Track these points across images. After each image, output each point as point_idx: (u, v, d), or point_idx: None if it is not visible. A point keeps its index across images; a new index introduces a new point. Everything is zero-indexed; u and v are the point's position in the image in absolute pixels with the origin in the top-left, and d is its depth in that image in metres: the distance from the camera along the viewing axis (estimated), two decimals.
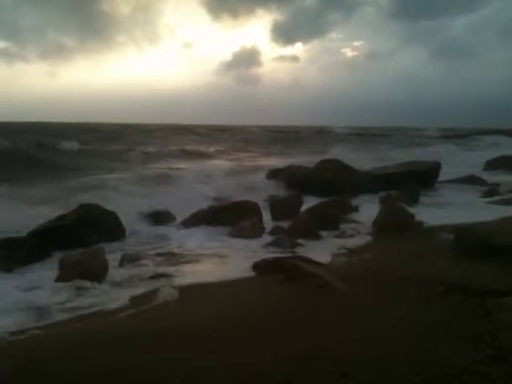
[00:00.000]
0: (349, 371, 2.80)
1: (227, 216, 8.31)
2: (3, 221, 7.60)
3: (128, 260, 6.18)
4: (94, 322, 4.19)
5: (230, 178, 13.28)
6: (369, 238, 7.43)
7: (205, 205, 9.09)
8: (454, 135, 48.80)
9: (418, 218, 8.04)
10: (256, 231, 7.76)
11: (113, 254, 6.43)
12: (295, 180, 12.20)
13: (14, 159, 17.25)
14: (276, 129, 67.70)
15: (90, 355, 3.17)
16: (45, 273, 5.76)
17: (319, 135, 51.32)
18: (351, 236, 7.65)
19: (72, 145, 24.64)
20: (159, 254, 6.64)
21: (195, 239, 7.53)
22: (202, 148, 30.32)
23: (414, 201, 10.40)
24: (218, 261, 6.29)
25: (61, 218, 7.28)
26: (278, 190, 11.34)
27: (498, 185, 13.01)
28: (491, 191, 11.79)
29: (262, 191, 10.95)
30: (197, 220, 8.48)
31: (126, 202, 9.25)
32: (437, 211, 9.49)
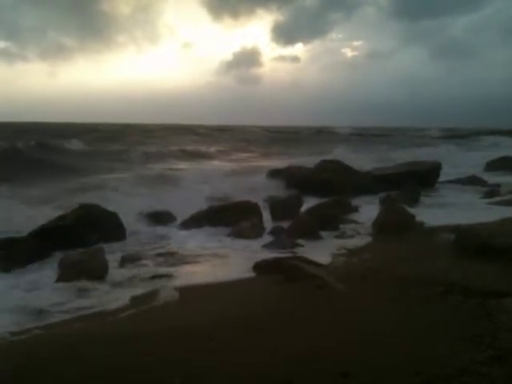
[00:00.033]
0: (349, 371, 2.80)
1: (227, 216, 8.31)
2: (3, 221, 7.61)
3: (128, 260, 6.18)
4: (94, 322, 4.19)
5: (230, 178, 13.29)
6: (369, 239, 7.43)
7: (205, 205, 9.08)
8: (455, 135, 48.81)
9: (418, 218, 8.04)
10: (256, 231, 7.76)
11: (113, 254, 6.43)
12: (295, 180, 12.20)
13: (14, 159, 17.24)
14: (276, 129, 67.73)
15: (90, 355, 3.18)
16: (45, 273, 5.76)
17: (319, 135, 51.36)
18: (351, 236, 7.65)
19: (76, 145, 24.67)
20: (159, 255, 6.63)
21: (195, 239, 7.53)
22: (202, 148, 30.32)
23: (415, 201, 10.39)
24: (218, 261, 6.29)
25: (61, 218, 7.28)
26: (278, 190, 11.33)
27: (498, 185, 12.99)
28: (492, 192, 11.78)
29: (262, 191, 10.94)
30: (197, 220, 8.48)
31: (127, 202, 9.25)
32: (437, 212, 9.48)
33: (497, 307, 3.71)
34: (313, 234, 7.48)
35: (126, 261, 6.15)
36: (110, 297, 4.89)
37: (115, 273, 5.69)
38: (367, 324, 3.64)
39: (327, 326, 3.65)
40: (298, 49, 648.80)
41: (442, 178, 13.99)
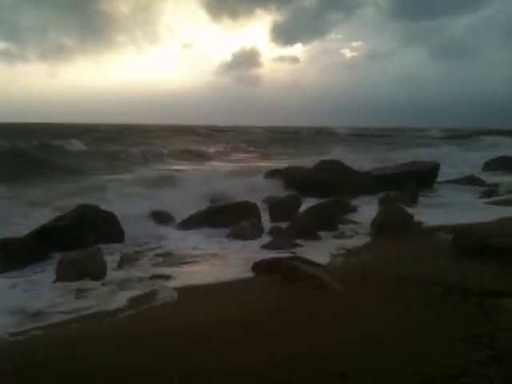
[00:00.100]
0: (347, 371, 2.80)
1: (226, 216, 8.30)
2: (2, 222, 7.61)
3: (127, 261, 6.17)
4: (92, 322, 4.19)
5: (229, 178, 13.29)
6: (367, 239, 7.43)
7: (204, 206, 9.08)
8: (455, 136, 48.85)
9: (416, 218, 8.04)
10: (255, 232, 7.76)
11: (111, 254, 6.43)
12: (294, 181, 12.19)
13: (15, 160, 17.22)
14: (276, 129, 67.87)
15: (89, 356, 3.18)
16: (43, 273, 5.76)
17: (319, 136, 51.39)
18: (350, 237, 7.65)
19: (77, 145, 24.65)
20: (158, 255, 6.63)
21: (194, 240, 7.52)
22: (202, 149, 30.34)
23: (413, 201, 10.40)
24: (217, 261, 6.29)
25: (59, 218, 7.27)
26: (277, 190, 11.32)
27: (496, 185, 13.00)
28: (490, 192, 11.79)
29: (261, 192, 10.93)
30: (196, 221, 8.48)
31: (126, 202, 9.23)
32: (436, 212, 9.49)
33: (495, 307, 3.72)
34: (311, 235, 7.48)
35: (124, 261, 6.14)
36: (109, 297, 4.88)
37: (114, 273, 5.68)
38: (366, 324, 3.64)
39: (326, 326, 3.65)
40: (298, 49, 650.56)
41: (440, 178, 14.00)
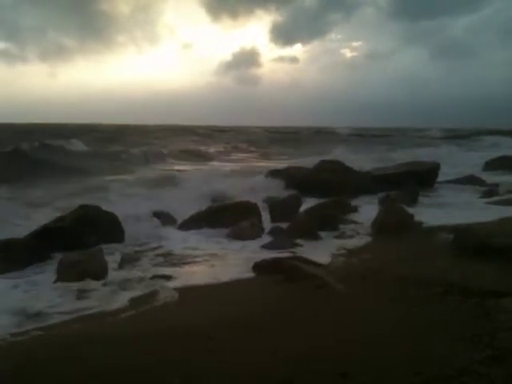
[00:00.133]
0: (348, 371, 2.81)
1: (226, 216, 8.30)
2: (3, 222, 7.62)
3: (127, 261, 6.18)
4: (93, 323, 4.19)
5: (230, 178, 13.30)
6: (368, 239, 7.43)
7: (205, 206, 9.08)
8: (455, 136, 48.87)
9: (417, 218, 8.04)
10: (255, 232, 7.76)
11: (112, 255, 6.43)
12: (295, 181, 12.19)
13: (17, 160, 17.23)
14: (276, 129, 67.91)
15: (90, 356, 3.18)
16: (44, 274, 5.76)
17: (319, 136, 51.43)
18: (350, 237, 7.65)
19: (78, 145, 24.65)
20: (159, 255, 6.64)
21: (195, 240, 7.53)
22: (203, 149, 30.38)
23: (414, 201, 10.40)
24: (218, 261, 6.29)
25: (60, 219, 7.27)
26: (278, 190, 11.32)
27: (497, 185, 13.00)
28: (490, 191, 11.78)
29: (261, 192, 10.93)
30: (196, 221, 8.48)
31: (127, 203, 9.25)
32: (436, 211, 9.49)
33: (495, 307, 3.72)
34: (312, 235, 7.49)
35: (125, 261, 6.14)
36: (110, 297, 4.89)
37: (114, 274, 5.68)
38: (367, 324, 3.64)
39: (327, 326, 3.65)
40: (297, 49, 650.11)
41: (441, 178, 14.00)
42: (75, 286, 5.18)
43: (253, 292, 4.87)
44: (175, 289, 5.01)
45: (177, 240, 7.53)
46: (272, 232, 7.83)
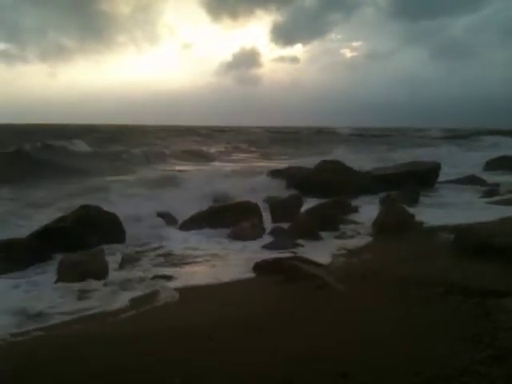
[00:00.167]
0: (348, 371, 2.81)
1: (227, 217, 8.30)
2: (5, 223, 7.63)
3: (128, 261, 6.18)
4: (94, 323, 4.19)
5: (231, 178, 13.30)
6: (369, 239, 7.43)
7: (205, 206, 9.08)
8: (455, 136, 48.83)
9: (417, 218, 8.04)
10: (256, 232, 7.76)
11: (113, 255, 6.43)
12: (295, 181, 12.19)
13: (17, 161, 17.23)
14: (276, 129, 67.91)
15: (91, 356, 3.18)
16: (45, 274, 5.76)
17: (319, 136, 51.41)
18: (351, 237, 7.65)
19: (81, 146, 24.63)
20: (159, 255, 6.64)
21: (195, 240, 7.53)
22: (203, 149, 30.38)
23: (414, 201, 10.39)
24: (218, 262, 6.29)
25: (61, 219, 7.28)
26: (279, 190, 11.32)
27: (497, 185, 12.99)
28: (491, 191, 11.78)
29: (262, 192, 10.93)
30: (197, 221, 8.48)
31: (128, 203, 9.25)
32: (437, 211, 9.49)
33: (496, 307, 3.72)
34: (313, 235, 7.48)
35: (126, 262, 6.15)
36: (110, 298, 4.89)
37: (115, 274, 5.69)
38: (367, 324, 3.64)
39: (327, 326, 3.65)
40: (297, 49, 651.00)
41: (441, 178, 13.99)
42: (76, 286, 5.19)
43: (253, 292, 4.87)
44: (176, 289, 5.01)
45: (177, 240, 7.54)
46: (273, 232, 7.83)
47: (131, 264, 6.12)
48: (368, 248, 6.81)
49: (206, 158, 26.18)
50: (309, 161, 15.58)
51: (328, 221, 8.10)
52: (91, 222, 7.17)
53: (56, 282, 5.37)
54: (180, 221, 8.68)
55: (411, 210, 8.35)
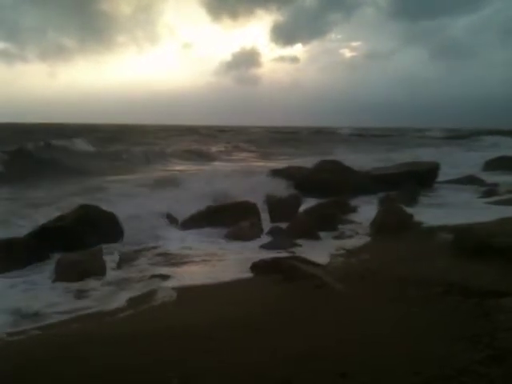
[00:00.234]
0: (347, 371, 2.79)
1: (226, 216, 8.30)
2: (5, 222, 7.61)
3: (126, 261, 6.18)
4: (92, 322, 4.18)
5: (231, 178, 13.27)
6: (367, 239, 7.42)
7: (204, 205, 9.07)
8: (455, 136, 48.85)
9: (417, 218, 8.03)
10: (254, 232, 7.75)
11: (111, 254, 6.42)
12: (295, 181, 12.19)
13: (19, 160, 17.19)
14: (276, 129, 67.90)
15: (88, 356, 3.17)
16: (43, 274, 5.75)
17: (319, 136, 51.40)
18: (350, 237, 7.65)
19: (82, 145, 24.59)
20: (157, 255, 6.63)
21: (193, 240, 7.52)
22: (204, 149, 30.33)
23: (413, 201, 10.39)
24: (216, 261, 6.28)
25: (60, 218, 7.27)
26: (278, 190, 11.30)
27: (496, 185, 12.99)
28: (490, 191, 11.79)
29: (261, 192, 10.91)
30: (196, 221, 8.47)
31: (128, 203, 9.22)
32: (436, 211, 9.48)
33: (495, 307, 3.70)
34: (311, 235, 7.48)
35: (123, 261, 6.14)
36: (108, 297, 4.89)
37: (113, 273, 5.68)
38: (366, 324, 3.63)
39: (326, 325, 3.64)
40: (297, 49, 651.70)
41: (440, 178, 14.00)
42: (74, 285, 5.19)
43: (251, 292, 4.85)
44: (173, 288, 4.99)
45: (176, 240, 7.53)
46: (271, 232, 7.82)
47: (129, 263, 6.12)
48: (366, 248, 6.80)
49: (206, 157, 26.15)
50: (309, 161, 15.57)
51: (327, 221, 8.09)
52: (90, 222, 7.16)
53: (54, 281, 5.36)
54: (179, 220, 8.67)
55: (410, 210, 8.34)
